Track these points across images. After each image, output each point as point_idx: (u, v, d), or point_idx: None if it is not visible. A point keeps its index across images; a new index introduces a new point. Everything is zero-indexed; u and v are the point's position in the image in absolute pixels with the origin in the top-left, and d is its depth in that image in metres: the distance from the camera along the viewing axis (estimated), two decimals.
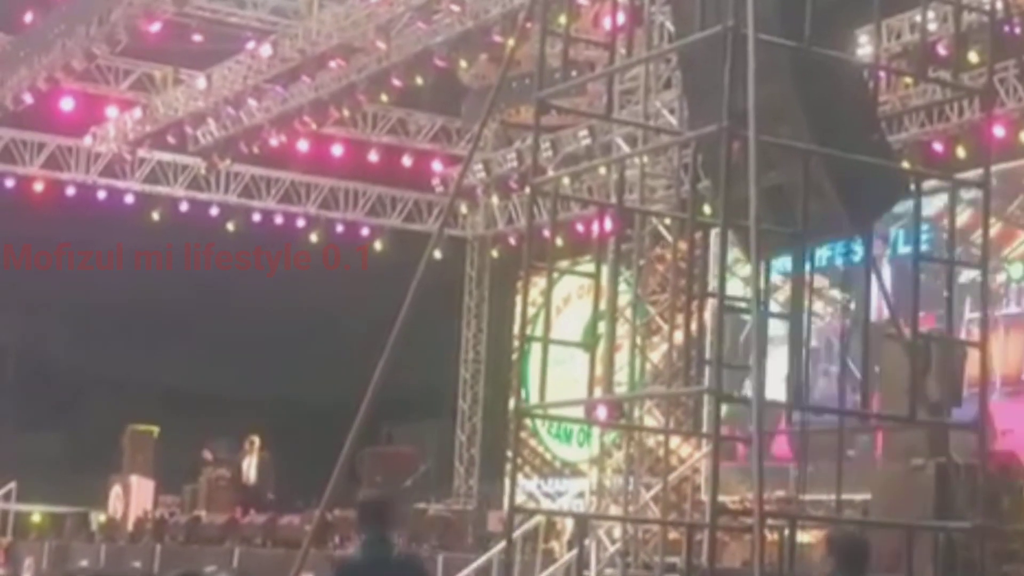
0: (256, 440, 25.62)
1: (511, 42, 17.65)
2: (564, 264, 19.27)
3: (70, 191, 29.13)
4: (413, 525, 21.38)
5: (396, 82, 23.84)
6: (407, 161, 29.37)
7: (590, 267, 10.95)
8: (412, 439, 29.26)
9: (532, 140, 12.79)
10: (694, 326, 10.01)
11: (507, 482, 20.64)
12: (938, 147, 23.07)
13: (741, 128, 8.72)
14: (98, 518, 29.02)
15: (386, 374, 12.08)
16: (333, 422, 14.85)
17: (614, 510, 16.36)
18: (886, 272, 15.33)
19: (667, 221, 15.92)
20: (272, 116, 26.17)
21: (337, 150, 28.79)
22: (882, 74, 12.34)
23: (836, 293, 17.66)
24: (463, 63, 23.44)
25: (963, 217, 9.92)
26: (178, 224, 29.34)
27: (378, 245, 30.61)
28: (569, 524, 18.37)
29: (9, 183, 28.79)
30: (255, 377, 31.67)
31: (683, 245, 10.68)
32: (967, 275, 10.18)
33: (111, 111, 28.10)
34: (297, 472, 25.74)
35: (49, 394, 32.78)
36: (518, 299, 27.97)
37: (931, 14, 17.77)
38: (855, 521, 12.31)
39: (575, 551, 13.78)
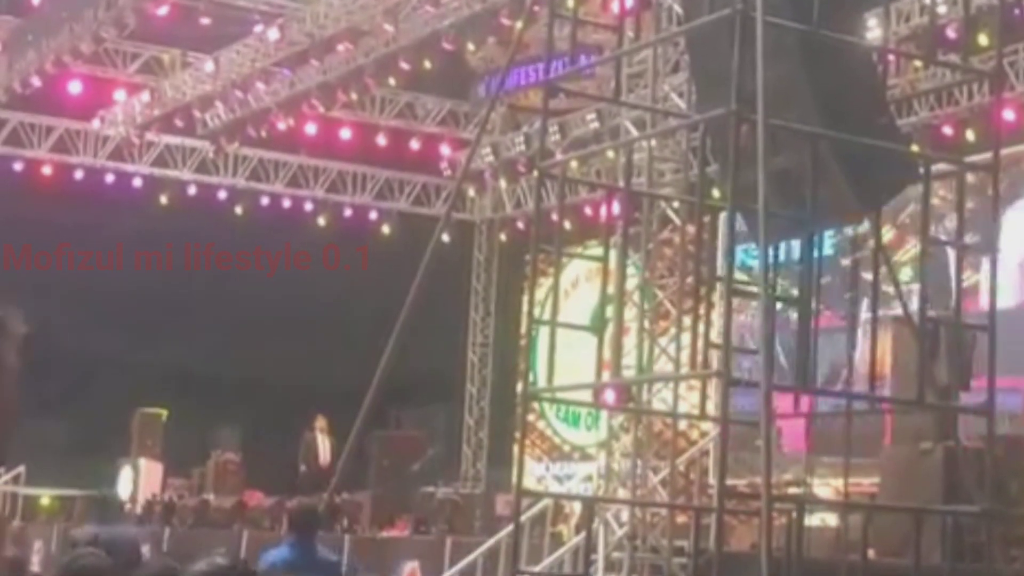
0: (324, 421, 25.24)
1: (519, 25, 17.61)
2: (572, 248, 19.27)
3: (78, 175, 29.17)
4: (421, 509, 21.42)
5: (404, 65, 23.81)
6: (415, 144, 29.34)
7: (598, 251, 10.94)
8: (420, 423, 29.31)
9: (540, 123, 12.78)
10: (702, 309, 10.00)
11: (515, 466, 20.67)
12: (948, 131, 23.04)
13: (749, 111, 8.70)
14: None
15: (394, 358, 12.08)
16: (342, 406, 14.88)
17: (622, 493, 16.35)
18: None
19: (675, 205, 15.89)
20: (280, 99, 26.16)
21: (345, 133, 28.79)
22: (891, 57, 12.31)
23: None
24: (471, 46, 23.41)
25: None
26: (186, 207, 29.36)
27: (386, 229, 30.62)
28: (577, 508, 18.38)
29: (17, 166, 28.80)
30: (264, 360, 31.67)
31: (692, 229, 10.67)
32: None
33: (119, 94, 28.10)
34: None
35: (57, 377, 32.77)
36: (526, 283, 27.98)
37: None
38: (864, 505, 12.30)
39: (583, 534, 13.79)
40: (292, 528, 10.28)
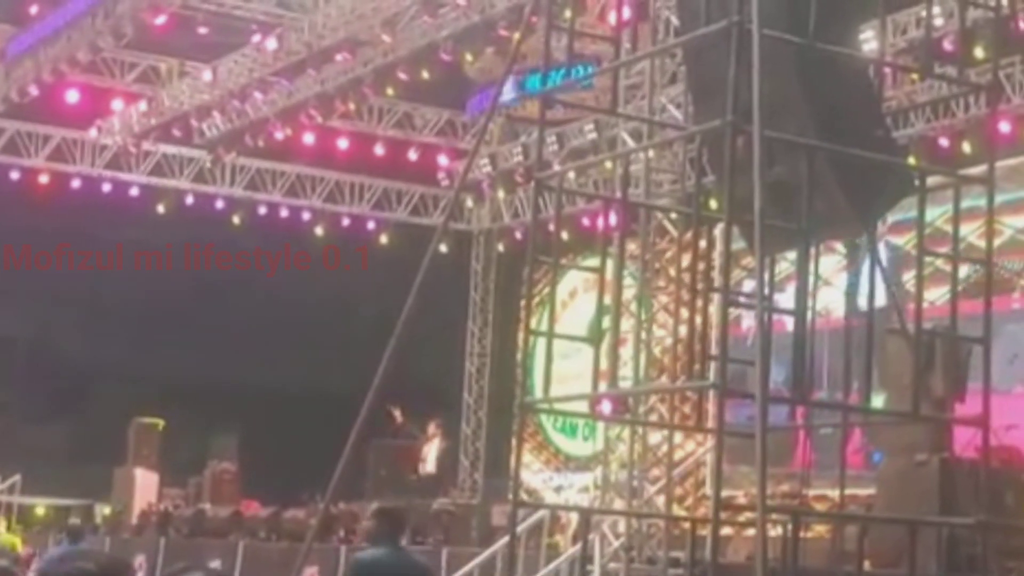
0: (439, 425, 25.11)
1: (517, 36, 17.63)
2: (569, 259, 19.28)
3: (75, 184, 29.18)
4: (417, 519, 21.40)
5: (402, 76, 23.87)
6: (413, 155, 29.38)
7: (595, 261, 10.94)
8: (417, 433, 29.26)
9: (537, 134, 12.79)
10: (699, 320, 10.00)
11: (511, 476, 20.64)
12: (944, 143, 23.10)
13: (746, 123, 8.71)
14: (103, 510, 29.10)
15: (391, 367, 12.08)
16: (339, 415, 14.86)
17: (619, 504, 16.36)
18: None
19: (672, 216, 15.92)
20: (277, 109, 26.20)
21: (343, 143, 28.84)
22: (887, 70, 12.34)
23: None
24: (469, 57, 23.46)
25: None
26: (183, 217, 29.38)
27: (384, 239, 30.64)
28: (574, 518, 18.38)
29: (14, 175, 28.82)
30: (261, 370, 31.69)
31: (689, 238, 10.68)
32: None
33: (117, 103, 28.15)
34: (301, 465, 25.76)
35: (55, 386, 32.82)
36: (523, 293, 27.99)
37: (937, 9, 17.80)
38: (859, 517, 12.31)
39: (579, 545, 13.80)
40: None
